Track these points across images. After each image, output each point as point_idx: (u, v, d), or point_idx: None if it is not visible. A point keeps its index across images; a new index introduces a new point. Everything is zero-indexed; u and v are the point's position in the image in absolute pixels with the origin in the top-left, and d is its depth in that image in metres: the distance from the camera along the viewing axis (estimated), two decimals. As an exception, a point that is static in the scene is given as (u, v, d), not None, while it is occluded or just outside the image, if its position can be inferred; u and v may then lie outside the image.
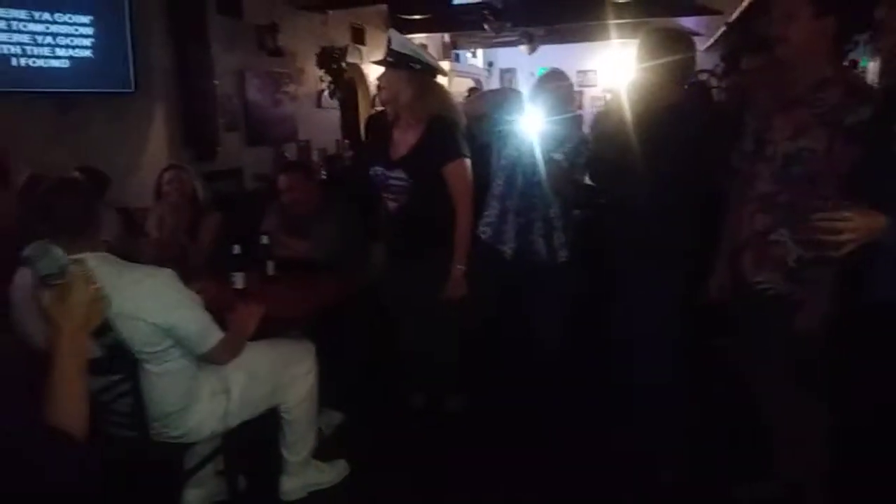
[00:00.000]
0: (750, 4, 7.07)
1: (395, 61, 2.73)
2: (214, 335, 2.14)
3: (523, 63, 11.96)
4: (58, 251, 1.05)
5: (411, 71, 2.75)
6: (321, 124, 7.02)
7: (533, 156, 3.03)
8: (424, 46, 2.69)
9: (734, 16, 7.47)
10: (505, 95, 3.56)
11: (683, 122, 2.31)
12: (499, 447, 2.93)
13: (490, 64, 12.74)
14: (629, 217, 2.48)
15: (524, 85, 12.18)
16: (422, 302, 2.93)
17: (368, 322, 3.26)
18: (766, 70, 2.72)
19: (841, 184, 1.78)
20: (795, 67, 1.98)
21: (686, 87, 2.60)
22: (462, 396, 3.22)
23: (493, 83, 12.01)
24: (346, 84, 7.05)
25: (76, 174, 3.19)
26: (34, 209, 2.02)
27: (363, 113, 8.04)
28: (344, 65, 6.78)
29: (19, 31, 3.80)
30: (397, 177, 2.82)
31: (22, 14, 3.81)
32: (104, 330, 1.06)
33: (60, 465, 0.83)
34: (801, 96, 1.95)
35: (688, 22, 9.72)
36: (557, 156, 3.00)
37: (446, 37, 10.20)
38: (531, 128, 3.02)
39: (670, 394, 2.55)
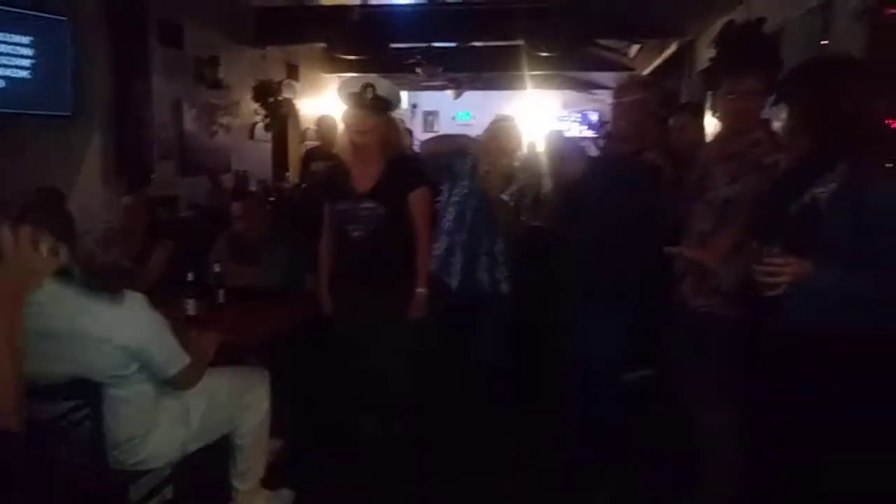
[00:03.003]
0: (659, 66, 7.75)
1: (380, 106, 2.88)
2: (182, 360, 2.15)
3: (445, 107, 12.54)
4: None
5: (387, 114, 2.94)
6: (253, 156, 7.08)
7: (481, 195, 3.22)
8: (371, 85, 2.85)
9: (646, 72, 8.09)
10: (458, 139, 3.75)
11: (636, 173, 2.57)
12: (442, 472, 3.00)
13: (414, 106, 13.09)
14: (580, 257, 2.70)
15: (445, 127, 12.70)
16: (382, 326, 3.01)
17: (317, 348, 3.28)
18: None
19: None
20: (742, 130, 2.32)
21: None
22: (400, 420, 3.24)
23: (416, 124, 12.36)
24: (280, 118, 7.13)
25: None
26: None
27: (292, 146, 8.12)
28: (279, 99, 6.87)
29: (-45, 48, 3.70)
30: (369, 206, 2.92)
31: (-42, 31, 3.71)
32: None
33: None
34: (739, 152, 2.31)
35: (602, 77, 10.42)
36: (504, 196, 3.20)
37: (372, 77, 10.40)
38: (480, 168, 3.21)
39: (612, 415, 2.77)
